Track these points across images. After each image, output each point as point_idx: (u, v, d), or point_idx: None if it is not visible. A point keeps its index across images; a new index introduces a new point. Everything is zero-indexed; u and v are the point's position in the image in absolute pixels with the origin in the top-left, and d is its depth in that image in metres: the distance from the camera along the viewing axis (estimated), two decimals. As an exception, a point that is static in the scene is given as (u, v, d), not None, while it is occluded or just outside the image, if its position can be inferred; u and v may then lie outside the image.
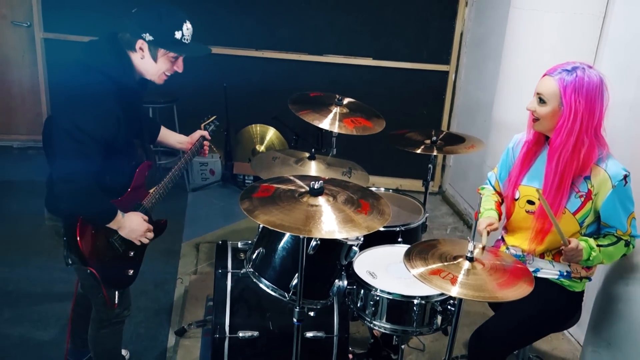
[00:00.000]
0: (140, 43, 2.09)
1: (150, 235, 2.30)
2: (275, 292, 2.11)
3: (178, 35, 2.10)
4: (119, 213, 2.16)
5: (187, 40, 2.14)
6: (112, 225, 2.16)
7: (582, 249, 2.10)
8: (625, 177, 2.07)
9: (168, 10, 2.11)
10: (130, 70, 2.14)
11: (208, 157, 5.00)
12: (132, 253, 2.32)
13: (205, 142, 2.61)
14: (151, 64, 2.14)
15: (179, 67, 2.21)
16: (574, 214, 2.14)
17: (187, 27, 2.13)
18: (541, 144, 2.25)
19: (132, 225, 2.22)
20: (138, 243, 2.28)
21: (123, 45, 2.11)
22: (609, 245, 2.14)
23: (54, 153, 2.06)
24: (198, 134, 2.60)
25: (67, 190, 2.03)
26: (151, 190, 2.39)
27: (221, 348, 2.33)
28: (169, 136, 2.59)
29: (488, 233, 2.23)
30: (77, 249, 2.14)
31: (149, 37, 2.07)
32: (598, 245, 2.14)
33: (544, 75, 2.12)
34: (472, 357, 2.31)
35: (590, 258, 2.12)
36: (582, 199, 2.12)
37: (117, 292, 2.33)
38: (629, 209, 2.12)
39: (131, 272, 2.34)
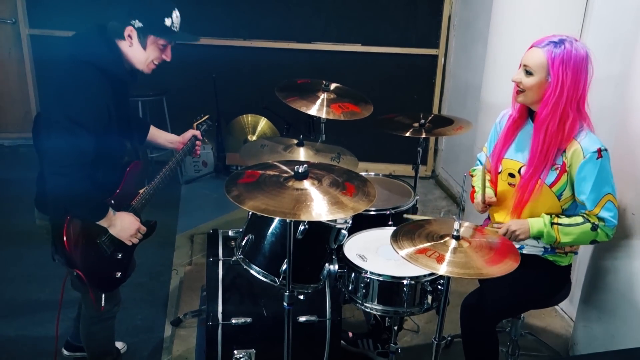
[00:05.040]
0: (129, 30, 2.08)
1: (140, 235, 2.29)
2: (266, 277, 2.12)
3: (168, 22, 2.11)
4: (110, 210, 2.16)
5: (176, 28, 2.15)
6: (103, 222, 2.15)
7: (514, 230, 2.16)
8: (600, 150, 2.06)
9: None
10: (120, 59, 2.13)
11: (200, 148, 4.99)
12: (119, 255, 2.31)
13: (198, 142, 2.57)
14: (140, 52, 2.13)
15: (167, 56, 2.20)
16: (551, 186, 2.16)
17: (177, 15, 2.14)
18: (524, 118, 2.26)
19: (124, 224, 2.21)
20: (129, 243, 2.27)
21: (112, 34, 2.11)
22: (569, 225, 2.13)
23: (45, 148, 2.05)
24: (190, 133, 2.56)
25: (60, 184, 2.00)
26: (141, 191, 2.37)
27: (215, 335, 2.34)
28: (158, 135, 2.55)
29: (488, 205, 2.29)
30: (63, 250, 2.13)
31: (138, 23, 2.07)
32: (556, 223, 2.14)
33: (530, 47, 2.12)
34: (464, 321, 2.34)
35: (544, 234, 2.15)
36: (558, 172, 2.14)
37: (103, 295, 2.31)
38: (602, 188, 2.08)
39: (118, 274, 2.32)
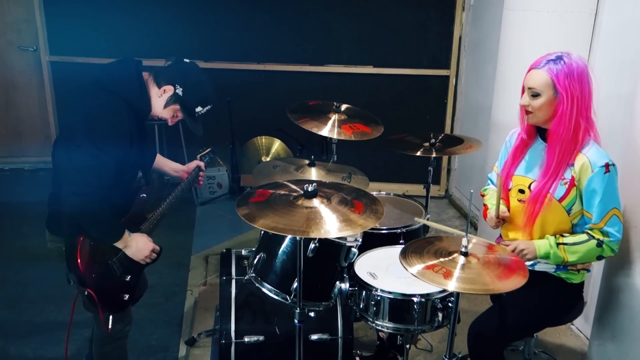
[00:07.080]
0: (168, 88, 2.21)
1: (154, 255, 2.35)
2: (277, 295, 2.15)
3: (198, 109, 2.26)
4: (126, 232, 2.22)
5: (198, 115, 2.29)
6: (119, 244, 2.22)
7: (522, 249, 2.17)
8: (607, 165, 2.08)
9: (210, 88, 2.27)
10: (146, 96, 2.24)
11: (215, 170, 5.08)
12: (128, 277, 2.35)
13: (201, 173, 2.67)
14: (160, 106, 2.26)
15: (171, 122, 2.33)
16: (560, 201, 2.17)
17: (207, 108, 2.28)
18: (533, 136, 2.29)
19: (139, 245, 2.27)
20: (143, 262, 2.32)
21: (154, 75, 2.23)
22: (575, 243, 2.15)
23: (66, 168, 2.12)
24: (194, 163, 2.66)
25: (79, 204, 2.07)
26: (149, 216, 2.43)
27: (228, 353, 2.37)
28: (164, 163, 2.65)
29: (502, 220, 2.31)
30: (76, 269, 2.19)
31: (179, 90, 2.20)
32: (561, 244, 2.16)
33: (529, 70, 2.16)
34: (471, 347, 2.33)
35: (550, 255, 2.16)
36: (567, 186, 2.15)
37: (110, 316, 2.34)
38: (608, 203, 2.10)
39: (126, 296, 2.36)
